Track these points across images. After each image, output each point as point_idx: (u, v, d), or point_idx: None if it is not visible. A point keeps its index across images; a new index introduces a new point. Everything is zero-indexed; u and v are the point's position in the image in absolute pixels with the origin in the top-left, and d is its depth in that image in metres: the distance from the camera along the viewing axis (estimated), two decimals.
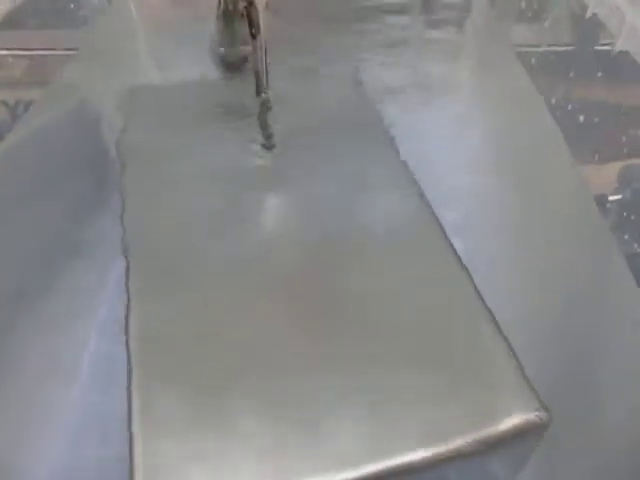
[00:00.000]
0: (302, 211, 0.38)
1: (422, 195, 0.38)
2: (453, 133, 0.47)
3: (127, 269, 0.34)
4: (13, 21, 0.61)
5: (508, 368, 0.28)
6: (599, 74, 0.51)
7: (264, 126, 0.45)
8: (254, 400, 0.27)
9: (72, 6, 0.67)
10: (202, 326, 0.31)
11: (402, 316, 0.30)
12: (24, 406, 0.34)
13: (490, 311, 0.30)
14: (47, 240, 0.40)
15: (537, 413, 0.26)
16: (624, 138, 0.45)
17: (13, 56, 0.63)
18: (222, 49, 0.58)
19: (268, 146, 0.43)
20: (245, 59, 0.54)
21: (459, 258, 0.33)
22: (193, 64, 0.57)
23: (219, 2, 0.63)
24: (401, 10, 0.65)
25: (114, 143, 0.44)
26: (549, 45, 0.59)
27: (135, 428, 0.26)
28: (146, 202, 0.39)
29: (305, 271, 0.34)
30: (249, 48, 0.46)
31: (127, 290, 0.33)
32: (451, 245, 0.34)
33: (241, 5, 0.58)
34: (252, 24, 0.45)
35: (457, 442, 0.25)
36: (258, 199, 0.39)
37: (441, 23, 0.64)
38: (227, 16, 0.63)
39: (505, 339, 0.29)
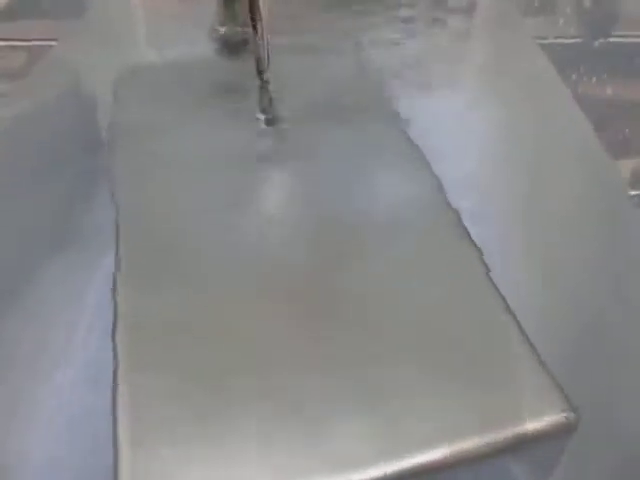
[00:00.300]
0: (305, 194, 0.36)
1: (434, 177, 0.35)
2: (468, 119, 0.45)
3: (116, 257, 0.31)
4: (13, 11, 0.60)
5: (532, 365, 0.26)
6: (609, 67, 0.49)
7: (265, 105, 0.42)
8: (253, 399, 0.25)
9: None
10: (195, 319, 0.28)
11: (418, 312, 0.28)
12: (9, 400, 0.32)
13: (509, 306, 0.28)
14: (33, 229, 0.38)
15: (564, 414, 0.24)
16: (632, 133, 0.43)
17: (11, 47, 0.61)
18: (222, 29, 0.56)
19: (269, 124, 0.41)
20: (245, 39, 0.52)
21: (476, 247, 0.31)
22: (192, 44, 0.55)
23: None
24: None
25: (107, 123, 0.42)
26: (557, 37, 0.56)
27: (121, 432, 0.23)
28: (138, 183, 0.36)
29: (308, 260, 0.31)
30: (249, 29, 0.44)
31: (114, 279, 0.30)
32: (467, 234, 0.32)
33: None
34: (253, 3, 0.43)
35: (476, 443, 0.23)
36: (258, 180, 0.37)
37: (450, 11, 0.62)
38: None
39: (526, 335, 0.27)
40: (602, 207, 0.37)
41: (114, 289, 0.30)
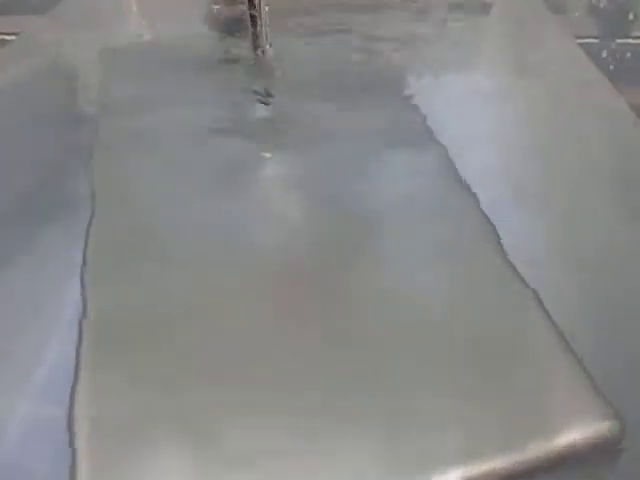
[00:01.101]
0: (303, 176, 0.32)
1: (448, 158, 0.32)
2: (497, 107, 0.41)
3: (85, 250, 0.28)
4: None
5: (568, 367, 0.22)
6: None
7: (261, 79, 0.39)
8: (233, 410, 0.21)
9: None
10: (164, 318, 0.24)
11: (441, 311, 0.24)
12: None
13: (543, 304, 0.24)
14: (13, 205, 0.34)
15: (607, 423, 0.20)
16: None
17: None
18: (217, 7, 0.53)
19: (265, 101, 0.38)
20: (241, 17, 0.49)
21: (502, 249, 0.27)
22: (185, 22, 0.51)
23: None
24: None
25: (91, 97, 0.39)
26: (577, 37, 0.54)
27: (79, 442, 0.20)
28: (120, 158, 0.33)
29: (308, 256, 0.27)
30: (245, 7, 0.42)
31: (82, 273, 0.26)
32: (495, 232, 0.28)
33: None
34: None
35: (514, 455, 0.19)
36: (250, 160, 0.33)
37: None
38: None
39: (566, 341, 0.23)
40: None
41: (82, 283, 0.26)
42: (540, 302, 0.24)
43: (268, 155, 0.34)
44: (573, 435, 0.19)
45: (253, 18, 0.42)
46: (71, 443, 0.20)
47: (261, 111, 0.38)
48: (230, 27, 0.49)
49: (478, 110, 0.40)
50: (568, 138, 0.37)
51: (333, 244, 0.28)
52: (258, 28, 0.42)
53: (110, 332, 0.24)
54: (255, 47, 0.42)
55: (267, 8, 0.41)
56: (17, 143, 0.37)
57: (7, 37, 0.55)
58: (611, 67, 0.46)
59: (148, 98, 0.39)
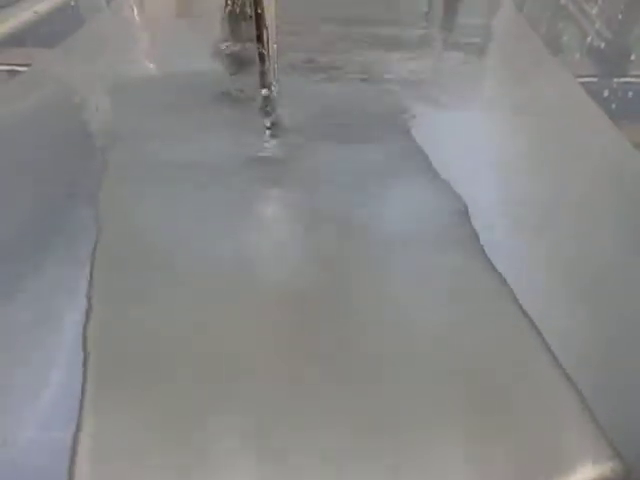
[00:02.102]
0: (307, 209, 0.33)
1: (456, 195, 0.32)
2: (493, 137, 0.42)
3: (90, 278, 0.28)
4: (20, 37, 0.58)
5: (570, 406, 0.22)
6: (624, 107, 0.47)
7: (268, 115, 0.40)
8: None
9: None
10: (170, 348, 0.25)
11: (451, 351, 0.25)
12: None
13: (545, 340, 0.24)
14: (17, 232, 0.34)
15: (610, 463, 0.20)
16: None
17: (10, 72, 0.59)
18: (226, 45, 0.54)
19: (272, 136, 0.39)
20: (249, 56, 0.50)
21: (504, 280, 0.28)
22: (195, 58, 0.53)
23: (226, 3, 0.60)
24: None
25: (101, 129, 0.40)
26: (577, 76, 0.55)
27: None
28: (127, 190, 0.33)
29: (309, 288, 0.27)
30: (254, 46, 0.43)
31: (88, 301, 0.27)
32: (491, 265, 0.28)
33: (248, 7, 0.56)
34: (260, 15, 0.42)
35: None
36: (256, 192, 0.34)
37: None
38: (233, 17, 0.60)
39: (567, 375, 0.23)
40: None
41: (87, 312, 0.26)
42: (542, 337, 0.25)
43: (272, 188, 0.35)
44: (576, 476, 0.19)
45: (261, 56, 0.43)
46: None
47: (267, 145, 0.38)
48: (238, 64, 0.51)
49: (478, 146, 0.40)
50: (569, 171, 0.38)
51: (335, 275, 0.28)
52: (266, 66, 0.43)
53: (113, 364, 0.24)
54: (263, 84, 0.42)
55: (275, 46, 0.41)
56: (25, 172, 0.38)
57: (19, 68, 0.56)
58: (613, 105, 0.47)
59: (155, 131, 0.40)
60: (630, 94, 0.49)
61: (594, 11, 0.57)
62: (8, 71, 0.54)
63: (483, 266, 0.28)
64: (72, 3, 0.61)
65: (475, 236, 0.30)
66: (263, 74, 0.43)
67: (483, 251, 0.29)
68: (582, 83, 0.49)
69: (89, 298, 0.27)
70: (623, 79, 0.53)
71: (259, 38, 0.42)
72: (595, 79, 0.54)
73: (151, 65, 0.53)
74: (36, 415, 0.24)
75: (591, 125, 0.43)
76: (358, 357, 0.24)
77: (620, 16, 0.54)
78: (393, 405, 0.22)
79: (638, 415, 0.23)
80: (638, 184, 0.37)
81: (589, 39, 0.58)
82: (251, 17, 0.43)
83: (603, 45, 0.56)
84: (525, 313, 0.26)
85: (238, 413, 0.22)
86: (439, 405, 0.22)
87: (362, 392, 0.23)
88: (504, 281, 0.28)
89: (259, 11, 0.41)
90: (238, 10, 0.60)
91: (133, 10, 0.66)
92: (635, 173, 0.37)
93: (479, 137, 0.41)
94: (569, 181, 0.37)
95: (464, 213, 0.32)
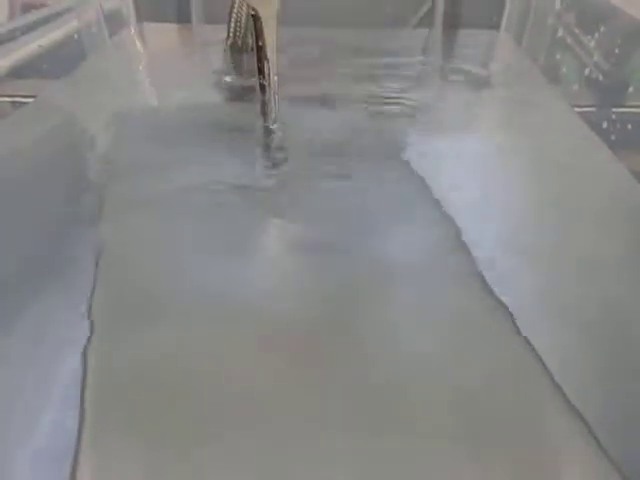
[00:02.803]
0: (309, 241, 0.32)
1: (449, 226, 0.32)
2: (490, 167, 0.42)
3: (90, 308, 0.28)
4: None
5: (581, 443, 0.21)
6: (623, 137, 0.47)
7: (270, 146, 0.40)
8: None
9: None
10: (177, 380, 0.24)
11: (453, 383, 0.24)
12: None
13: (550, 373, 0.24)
14: (15, 263, 0.34)
15: None
16: None
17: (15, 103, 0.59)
18: (228, 78, 0.55)
19: (273, 167, 0.39)
20: (252, 88, 0.51)
21: (509, 313, 0.27)
22: (197, 90, 0.53)
23: (227, 35, 0.61)
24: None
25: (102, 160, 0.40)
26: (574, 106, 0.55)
27: None
28: (128, 223, 0.33)
29: (311, 320, 0.27)
30: (255, 79, 0.44)
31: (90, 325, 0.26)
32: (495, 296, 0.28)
33: (250, 38, 0.57)
34: (260, 47, 0.42)
35: None
36: (256, 224, 0.34)
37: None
38: (235, 49, 0.61)
39: (574, 407, 0.23)
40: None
41: (86, 345, 0.26)
42: (545, 367, 0.24)
43: (274, 221, 0.35)
44: None
45: (262, 87, 0.44)
46: None
47: (267, 176, 0.38)
48: (240, 96, 0.51)
49: (477, 177, 0.40)
50: (569, 201, 0.38)
51: (336, 309, 0.28)
52: (267, 97, 0.44)
53: (112, 399, 0.24)
54: (264, 115, 0.43)
55: (276, 78, 0.42)
56: (25, 205, 0.38)
57: (24, 100, 0.57)
58: (612, 136, 0.47)
59: (157, 163, 0.40)
60: (629, 125, 0.49)
61: (592, 44, 0.58)
62: (12, 102, 0.54)
63: (485, 298, 0.28)
64: (75, 37, 0.62)
65: (475, 268, 0.30)
66: (264, 105, 0.44)
67: (485, 283, 0.29)
68: (580, 113, 0.50)
69: (89, 331, 0.26)
70: (621, 109, 0.53)
71: (260, 70, 0.43)
72: (593, 109, 0.55)
73: (152, 97, 0.54)
74: (30, 452, 0.23)
75: (590, 154, 0.43)
76: (361, 391, 0.24)
77: (617, 49, 0.54)
78: (398, 440, 0.22)
79: None
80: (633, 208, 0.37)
81: (587, 71, 0.58)
82: (252, 49, 0.44)
83: (601, 77, 0.56)
84: (528, 342, 0.26)
85: (244, 449, 0.21)
86: (439, 440, 0.22)
87: (366, 427, 0.22)
88: (507, 312, 0.27)
89: (260, 43, 0.42)
90: (240, 42, 0.61)
91: (135, 43, 0.67)
92: (636, 203, 0.37)
93: (479, 168, 0.41)
94: (569, 211, 0.37)
95: (464, 244, 0.31)
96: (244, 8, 0.56)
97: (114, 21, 0.69)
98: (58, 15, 0.61)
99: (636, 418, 0.24)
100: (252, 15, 0.41)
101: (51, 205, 0.37)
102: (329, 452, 0.21)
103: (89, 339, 0.26)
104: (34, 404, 0.24)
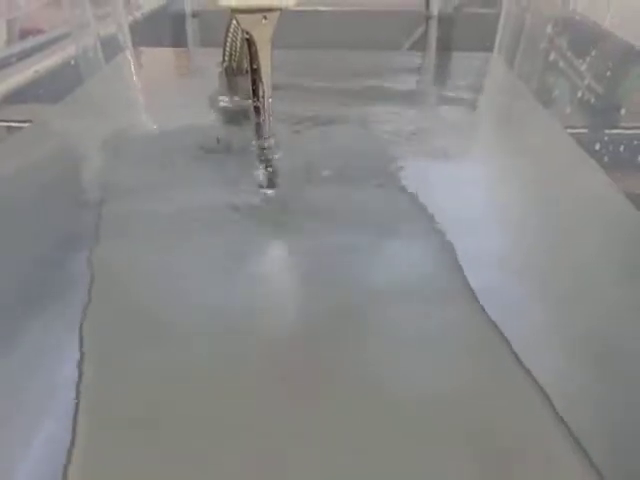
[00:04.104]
0: (303, 260, 0.32)
1: (446, 249, 0.32)
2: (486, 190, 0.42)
3: (82, 332, 0.27)
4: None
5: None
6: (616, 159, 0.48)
7: (264, 167, 0.40)
8: None
9: None
10: (171, 401, 0.24)
11: (451, 411, 0.24)
12: None
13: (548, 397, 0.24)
14: (10, 289, 0.33)
15: None
16: None
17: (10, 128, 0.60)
18: (223, 100, 0.56)
19: (267, 189, 0.39)
20: (246, 110, 0.52)
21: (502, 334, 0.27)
22: (192, 112, 0.54)
23: (223, 59, 0.62)
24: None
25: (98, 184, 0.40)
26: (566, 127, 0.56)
27: None
28: (122, 245, 0.33)
29: (306, 339, 0.27)
30: (250, 101, 0.44)
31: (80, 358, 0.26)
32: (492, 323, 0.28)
33: (245, 62, 0.57)
34: (255, 70, 0.43)
35: None
36: (251, 246, 0.33)
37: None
38: (230, 72, 0.62)
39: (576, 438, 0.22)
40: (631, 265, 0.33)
41: (79, 370, 0.26)
42: (547, 397, 0.24)
43: (269, 241, 0.35)
44: None
45: (257, 109, 0.44)
46: None
47: (263, 198, 0.38)
48: (235, 118, 0.52)
49: (472, 198, 0.40)
50: (562, 222, 0.38)
51: (331, 327, 0.28)
52: (261, 118, 0.44)
53: (105, 422, 0.23)
54: (258, 136, 0.43)
55: (270, 100, 0.42)
56: (20, 227, 0.38)
57: (19, 125, 0.57)
58: (605, 158, 0.48)
59: (152, 185, 0.40)
60: (621, 146, 0.50)
61: (583, 67, 0.58)
62: (7, 127, 0.55)
63: (478, 320, 0.28)
64: (72, 62, 0.62)
65: (471, 290, 0.30)
66: (258, 126, 0.44)
67: (480, 306, 0.29)
68: (572, 134, 0.50)
69: (81, 355, 0.26)
70: (614, 131, 0.54)
71: (254, 92, 0.43)
72: (585, 130, 0.55)
73: (149, 121, 0.54)
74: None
75: (583, 175, 0.44)
76: (358, 415, 0.24)
77: (609, 72, 0.55)
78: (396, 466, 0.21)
79: None
80: (632, 235, 0.37)
81: (579, 93, 0.59)
82: (247, 72, 0.44)
83: (593, 99, 0.57)
84: (523, 367, 0.25)
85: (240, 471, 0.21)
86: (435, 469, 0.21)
87: (363, 450, 0.22)
88: (502, 336, 0.27)
89: (254, 67, 0.42)
90: (235, 65, 0.61)
91: (131, 68, 0.68)
92: (629, 224, 0.37)
93: (473, 189, 0.41)
94: (563, 233, 0.37)
95: (460, 268, 0.31)
96: (239, 32, 0.56)
97: (110, 46, 0.70)
98: (56, 41, 0.62)
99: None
100: (246, 39, 0.41)
101: (46, 227, 0.37)
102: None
103: (81, 362, 0.26)
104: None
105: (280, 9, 0.40)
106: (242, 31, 0.41)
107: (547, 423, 0.23)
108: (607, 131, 0.53)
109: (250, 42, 0.41)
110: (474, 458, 0.22)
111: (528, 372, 0.25)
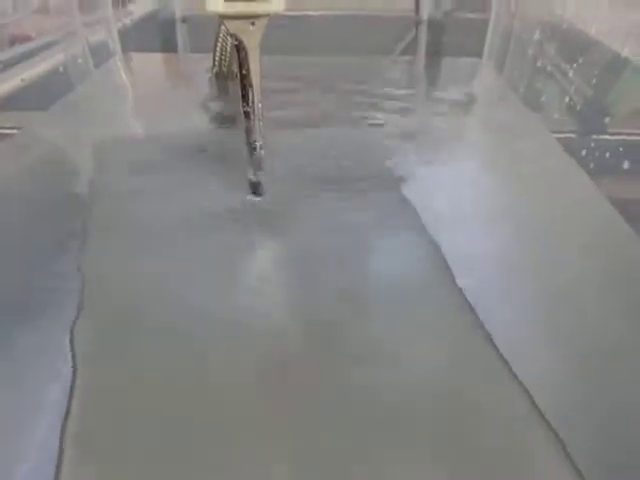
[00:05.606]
0: (292, 263, 0.33)
1: (437, 252, 0.32)
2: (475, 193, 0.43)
3: (73, 331, 0.27)
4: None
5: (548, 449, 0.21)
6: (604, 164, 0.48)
7: (253, 171, 0.40)
8: None
9: None
10: (162, 406, 0.24)
11: (434, 409, 0.24)
12: None
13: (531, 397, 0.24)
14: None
15: None
16: None
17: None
18: (213, 104, 0.56)
19: (256, 194, 0.39)
20: (236, 114, 0.52)
21: (485, 331, 0.27)
22: (181, 116, 0.54)
23: (213, 64, 0.62)
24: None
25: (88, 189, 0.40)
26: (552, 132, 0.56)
27: None
28: (112, 248, 0.34)
29: (295, 350, 0.27)
30: (240, 105, 0.44)
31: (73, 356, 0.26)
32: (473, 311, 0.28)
33: (235, 67, 0.57)
34: (245, 76, 0.43)
35: None
36: (239, 250, 0.34)
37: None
38: (220, 77, 0.62)
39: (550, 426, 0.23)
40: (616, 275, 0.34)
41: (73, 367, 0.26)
42: (530, 397, 0.24)
43: (258, 244, 0.35)
44: None
45: (247, 114, 0.44)
46: None
47: (252, 201, 0.39)
48: (225, 122, 0.52)
49: (461, 202, 0.41)
50: (549, 228, 0.38)
51: (321, 327, 0.28)
52: (251, 123, 0.44)
53: (97, 434, 0.23)
54: (248, 141, 0.43)
55: (260, 105, 0.42)
56: (10, 233, 0.38)
57: (7, 131, 0.57)
58: (591, 164, 0.48)
59: (140, 189, 0.40)
60: (607, 152, 0.50)
61: (571, 73, 0.59)
62: None
63: (470, 325, 0.28)
64: (60, 69, 0.62)
65: (461, 293, 0.30)
66: (249, 131, 0.44)
67: (471, 309, 0.29)
68: (560, 139, 0.51)
69: (73, 360, 0.26)
70: (602, 136, 0.54)
71: (244, 97, 0.43)
72: (574, 135, 0.56)
73: (139, 126, 0.54)
74: None
75: (569, 181, 0.44)
76: (348, 415, 0.24)
77: (595, 79, 0.56)
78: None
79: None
80: (617, 242, 0.37)
81: (567, 99, 0.60)
82: (237, 77, 0.44)
83: (580, 105, 0.58)
84: (510, 370, 0.26)
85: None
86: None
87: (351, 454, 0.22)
88: (490, 339, 0.27)
89: (244, 72, 0.42)
90: (225, 70, 0.61)
91: (121, 74, 0.67)
92: (614, 231, 0.38)
93: (462, 194, 0.42)
94: (550, 239, 0.37)
95: (450, 272, 0.32)
96: (229, 37, 0.56)
97: (100, 52, 0.69)
98: (45, 47, 0.62)
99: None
100: (235, 45, 0.41)
101: (35, 233, 0.37)
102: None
103: (74, 369, 0.26)
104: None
105: (268, 14, 0.40)
106: (232, 36, 0.41)
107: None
108: (594, 137, 0.54)
109: (239, 47, 0.41)
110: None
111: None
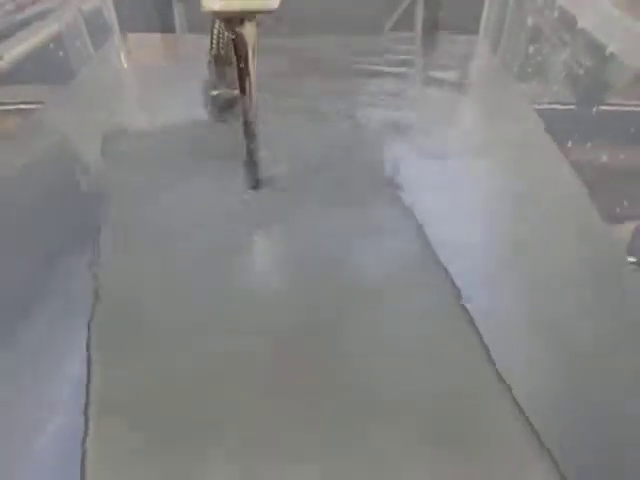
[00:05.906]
0: (292, 259, 0.35)
1: (427, 244, 0.34)
2: (461, 182, 0.44)
3: (90, 326, 0.29)
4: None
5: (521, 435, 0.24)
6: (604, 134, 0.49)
7: (251, 168, 0.41)
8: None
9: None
10: (175, 405, 0.26)
11: (419, 404, 0.26)
12: None
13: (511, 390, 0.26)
14: (10, 289, 0.35)
15: None
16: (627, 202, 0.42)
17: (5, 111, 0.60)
18: (214, 92, 0.56)
19: (255, 188, 0.41)
20: (236, 100, 0.52)
21: (471, 319, 0.29)
22: (185, 106, 0.54)
23: (211, 47, 0.62)
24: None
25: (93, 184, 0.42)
26: (551, 103, 0.57)
27: None
28: (120, 246, 0.35)
29: (295, 336, 0.29)
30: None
31: (88, 350, 0.28)
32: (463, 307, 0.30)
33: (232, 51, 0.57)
34: (241, 68, 0.43)
35: None
36: (242, 244, 0.35)
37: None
38: (219, 60, 0.61)
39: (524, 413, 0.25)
40: (598, 271, 0.35)
41: (88, 360, 0.28)
42: (511, 393, 0.26)
43: (261, 239, 0.36)
44: None
45: (245, 106, 0.44)
46: None
47: (252, 197, 0.40)
48: (226, 109, 0.52)
49: (453, 188, 0.42)
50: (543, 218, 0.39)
51: (319, 322, 0.30)
52: (249, 116, 0.44)
53: (115, 425, 0.25)
54: (246, 134, 0.43)
55: (257, 94, 0.43)
56: (21, 228, 0.39)
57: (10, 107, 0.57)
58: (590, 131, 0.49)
59: (143, 183, 0.41)
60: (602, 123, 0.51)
61: (564, 56, 0.59)
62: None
63: (463, 323, 0.30)
64: (61, 54, 0.62)
65: (457, 292, 0.32)
66: (246, 124, 0.44)
67: (464, 309, 0.31)
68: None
69: (88, 357, 0.28)
70: (594, 108, 0.55)
71: (242, 90, 0.43)
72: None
73: (139, 114, 0.55)
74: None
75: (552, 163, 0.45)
76: (343, 411, 0.26)
77: (589, 60, 0.56)
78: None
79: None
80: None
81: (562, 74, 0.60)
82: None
83: (574, 84, 0.58)
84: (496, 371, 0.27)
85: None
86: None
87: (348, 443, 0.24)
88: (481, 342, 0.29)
89: (241, 65, 0.43)
90: (224, 53, 0.61)
91: (120, 57, 0.67)
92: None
93: (460, 183, 0.43)
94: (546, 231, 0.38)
95: (446, 272, 0.33)
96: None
97: (98, 32, 0.69)
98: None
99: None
100: (232, 39, 0.42)
101: (45, 227, 0.38)
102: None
103: (89, 366, 0.28)
104: None
105: (263, 12, 0.40)
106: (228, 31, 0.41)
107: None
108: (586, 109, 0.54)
109: (236, 42, 0.42)
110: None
111: None
